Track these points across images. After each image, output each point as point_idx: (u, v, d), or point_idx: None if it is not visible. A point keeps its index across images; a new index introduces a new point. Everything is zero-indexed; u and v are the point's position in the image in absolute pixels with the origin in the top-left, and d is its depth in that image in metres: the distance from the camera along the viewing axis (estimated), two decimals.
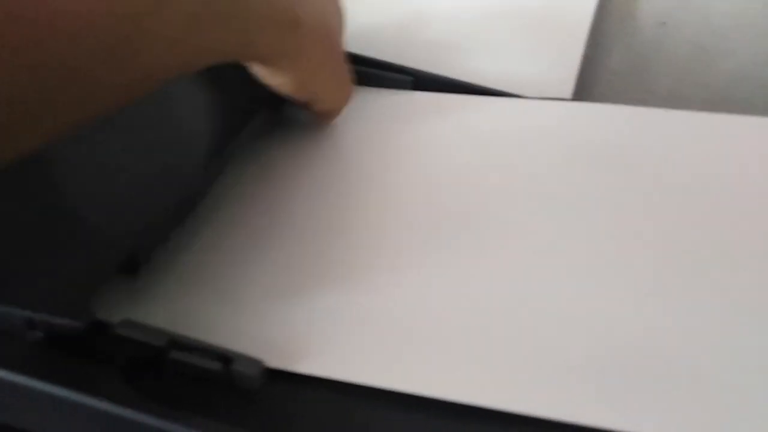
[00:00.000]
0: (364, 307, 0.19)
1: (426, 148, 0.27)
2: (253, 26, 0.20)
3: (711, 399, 0.16)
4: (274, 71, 0.23)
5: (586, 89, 0.39)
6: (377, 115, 0.30)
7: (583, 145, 0.27)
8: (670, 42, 0.41)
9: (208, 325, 0.18)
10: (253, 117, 0.26)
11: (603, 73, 0.42)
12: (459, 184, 0.25)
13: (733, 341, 0.18)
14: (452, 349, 0.18)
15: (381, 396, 0.17)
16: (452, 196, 0.24)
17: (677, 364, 0.17)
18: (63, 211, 0.20)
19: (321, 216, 0.23)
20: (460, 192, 0.24)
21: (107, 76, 0.15)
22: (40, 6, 0.13)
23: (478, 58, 0.35)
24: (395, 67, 0.32)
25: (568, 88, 0.36)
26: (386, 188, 0.25)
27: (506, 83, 0.32)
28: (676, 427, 0.15)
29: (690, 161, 0.25)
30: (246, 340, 0.18)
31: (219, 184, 0.24)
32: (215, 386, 0.17)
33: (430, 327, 0.19)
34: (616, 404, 0.16)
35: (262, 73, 0.23)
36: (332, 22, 0.25)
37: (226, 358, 0.17)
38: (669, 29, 0.40)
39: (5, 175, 0.16)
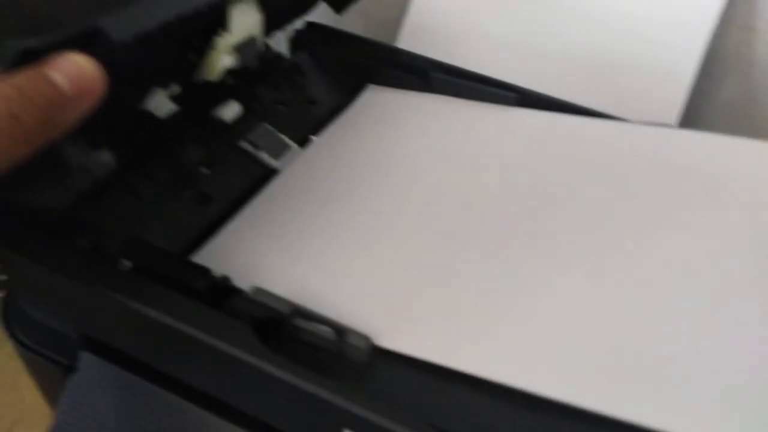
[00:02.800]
0: (469, 298, 0.21)
1: (516, 164, 0.29)
2: None
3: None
4: None
5: (693, 117, 0.39)
6: (481, 129, 0.31)
7: (677, 173, 0.27)
8: None
9: (322, 301, 0.21)
10: None
11: (712, 104, 0.41)
12: (550, 203, 0.26)
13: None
14: (549, 348, 0.19)
15: (475, 382, 0.18)
16: (547, 214, 0.25)
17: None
18: None
19: (433, 216, 0.25)
20: (555, 210, 0.25)
21: None
22: None
23: (587, 79, 0.35)
24: (501, 84, 0.34)
25: (675, 116, 0.36)
26: (486, 194, 0.26)
27: (612, 105, 0.33)
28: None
29: None
30: (354, 318, 0.20)
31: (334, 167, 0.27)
32: (327, 354, 0.19)
33: (538, 327, 0.20)
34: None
35: None
36: None
37: (340, 330, 0.19)
38: None
39: None
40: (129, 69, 0.17)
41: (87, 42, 0.16)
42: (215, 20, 0.22)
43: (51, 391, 0.25)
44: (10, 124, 0.15)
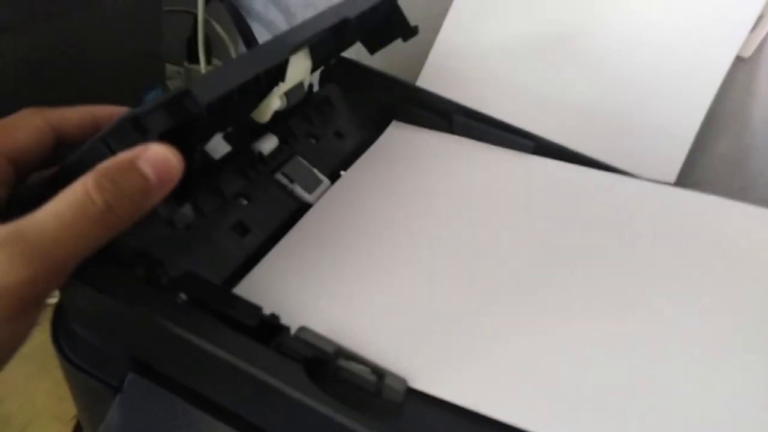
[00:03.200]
0: (499, 344, 0.23)
1: (530, 211, 0.31)
2: None
3: None
4: None
5: (689, 169, 0.42)
6: (499, 173, 0.34)
7: (673, 231, 0.30)
8: None
9: (364, 339, 0.23)
10: None
11: (708, 158, 0.44)
12: (561, 251, 0.28)
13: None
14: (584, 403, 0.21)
15: (502, 427, 0.20)
16: (558, 262, 0.27)
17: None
18: None
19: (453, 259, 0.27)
20: (565, 258, 0.28)
21: None
22: None
23: (599, 131, 0.38)
24: (519, 131, 0.36)
25: (676, 169, 0.38)
26: (505, 239, 0.29)
27: (620, 158, 0.35)
28: None
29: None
30: (393, 359, 0.22)
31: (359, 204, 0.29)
32: (365, 393, 0.21)
33: (564, 375, 0.22)
34: None
35: None
36: None
37: (380, 372, 0.21)
38: None
39: None
40: (208, 123, 0.19)
41: (179, 104, 0.17)
42: (277, 73, 0.23)
43: (93, 409, 0.26)
44: (105, 215, 0.16)
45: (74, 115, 0.23)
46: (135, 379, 0.23)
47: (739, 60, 0.40)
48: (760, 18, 0.38)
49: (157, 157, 0.17)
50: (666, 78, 0.39)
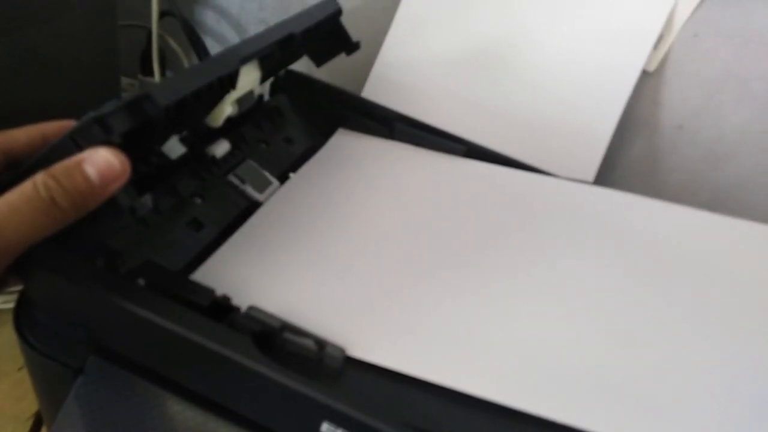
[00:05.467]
0: (428, 316, 0.26)
1: (461, 207, 0.34)
2: None
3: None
4: None
5: (607, 171, 0.47)
6: (434, 175, 0.37)
7: (591, 225, 0.34)
8: (685, 143, 0.47)
9: (306, 317, 0.25)
10: None
11: (624, 160, 0.49)
12: (487, 240, 0.32)
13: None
14: (495, 354, 0.25)
15: (430, 387, 0.23)
16: (485, 247, 0.31)
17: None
18: None
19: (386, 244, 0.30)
20: (490, 245, 0.31)
21: None
22: None
23: (525, 136, 0.42)
24: (452, 137, 0.40)
25: (593, 170, 0.43)
26: (438, 230, 0.32)
27: (542, 160, 0.39)
28: None
29: (679, 251, 0.32)
30: (333, 332, 0.25)
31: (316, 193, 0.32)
32: (309, 361, 0.24)
33: (481, 337, 0.25)
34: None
35: None
36: None
37: (321, 343, 0.24)
38: (685, 132, 0.47)
39: None
40: (165, 123, 0.21)
41: (139, 106, 0.20)
42: (229, 82, 0.26)
43: (54, 395, 0.28)
44: (49, 207, 0.19)
45: (23, 136, 0.25)
46: (95, 361, 0.25)
47: (645, 73, 0.45)
48: (660, 37, 0.43)
49: (101, 161, 0.20)
50: (583, 88, 0.44)
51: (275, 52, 0.30)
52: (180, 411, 0.24)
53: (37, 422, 0.37)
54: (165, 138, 0.26)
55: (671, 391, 0.24)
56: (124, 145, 0.20)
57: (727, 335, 0.27)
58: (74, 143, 0.19)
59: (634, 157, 0.49)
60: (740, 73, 0.44)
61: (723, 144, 0.47)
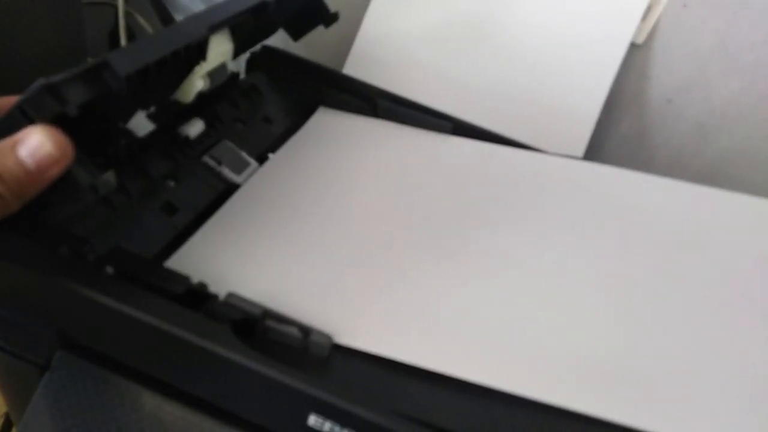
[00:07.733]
0: (413, 301, 0.25)
1: (448, 185, 0.33)
2: None
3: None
4: None
5: (596, 147, 0.45)
6: (419, 153, 0.36)
7: (581, 200, 0.33)
8: (674, 117, 0.47)
9: (290, 303, 0.24)
10: None
11: (613, 136, 0.48)
12: (475, 217, 0.30)
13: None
14: (486, 339, 0.23)
15: (417, 372, 0.22)
16: (472, 226, 0.30)
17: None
18: None
19: (373, 229, 0.29)
20: (478, 223, 0.30)
21: None
22: None
23: (512, 112, 0.41)
24: (438, 114, 0.38)
25: (582, 146, 0.42)
26: (423, 209, 0.31)
27: (531, 136, 0.38)
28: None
29: (670, 224, 0.31)
30: (318, 319, 0.23)
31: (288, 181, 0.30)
32: (293, 350, 0.22)
33: (464, 322, 0.24)
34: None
35: None
36: None
37: (306, 330, 0.22)
38: (674, 106, 0.46)
39: None
40: (128, 95, 0.20)
41: (97, 74, 0.18)
42: (198, 52, 0.24)
43: (21, 394, 0.26)
44: None
45: None
46: (63, 356, 0.23)
47: (633, 46, 0.44)
48: (648, 8, 0.42)
49: (34, 144, 0.18)
50: (570, 63, 0.42)
51: (248, 21, 0.28)
52: (157, 407, 0.22)
53: (7, 423, 0.35)
54: (130, 113, 0.24)
55: (675, 373, 0.23)
56: (83, 118, 0.18)
57: (727, 309, 0.26)
58: (24, 115, 0.17)
59: (624, 132, 0.48)
60: (730, 44, 0.44)
61: (712, 117, 0.46)
